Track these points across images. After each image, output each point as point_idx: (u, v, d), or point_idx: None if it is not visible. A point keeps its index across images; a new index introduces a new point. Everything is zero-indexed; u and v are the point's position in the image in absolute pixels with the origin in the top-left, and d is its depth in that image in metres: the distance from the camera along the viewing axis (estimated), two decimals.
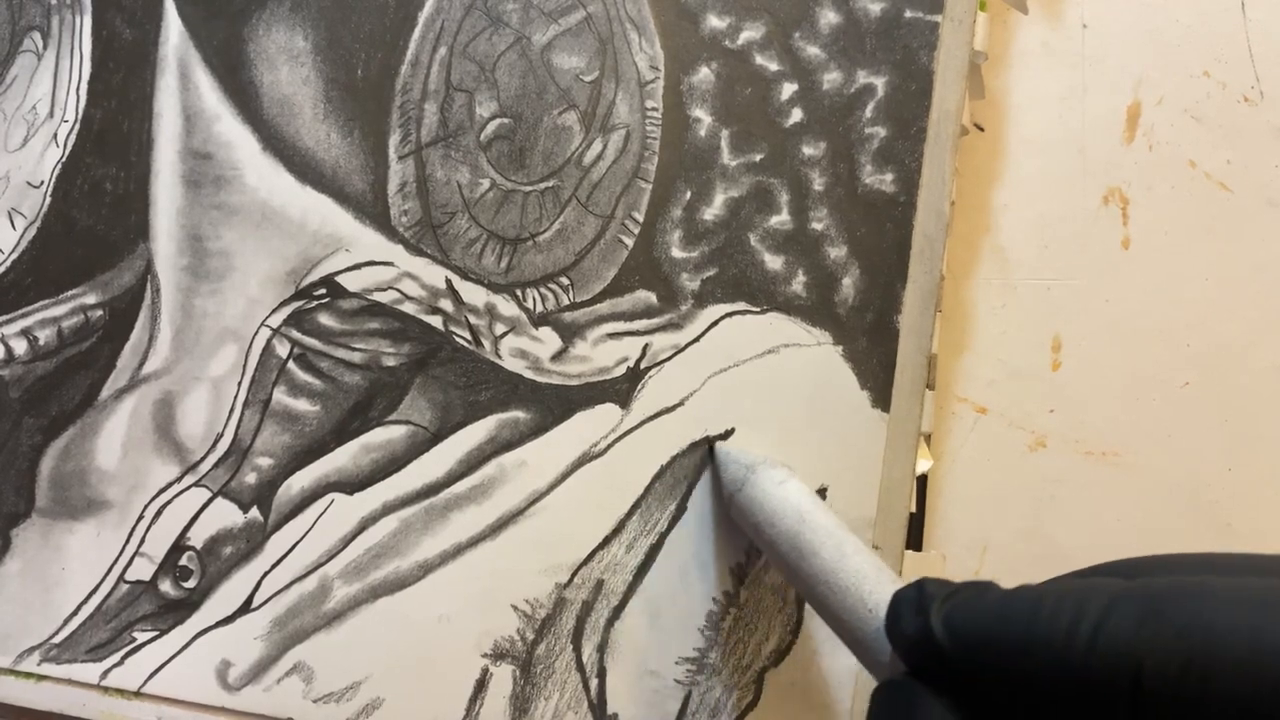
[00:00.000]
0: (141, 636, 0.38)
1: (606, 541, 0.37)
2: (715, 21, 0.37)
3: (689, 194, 0.37)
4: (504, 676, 0.37)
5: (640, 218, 0.37)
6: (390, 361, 0.38)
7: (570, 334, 0.37)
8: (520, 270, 0.37)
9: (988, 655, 0.24)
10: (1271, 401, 0.38)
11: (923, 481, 0.38)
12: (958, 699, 0.25)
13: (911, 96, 0.36)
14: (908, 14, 0.36)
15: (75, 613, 0.38)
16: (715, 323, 0.37)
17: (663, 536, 0.37)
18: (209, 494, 0.38)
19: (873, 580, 0.30)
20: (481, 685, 0.37)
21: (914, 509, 0.37)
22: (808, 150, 0.37)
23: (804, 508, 0.33)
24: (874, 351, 0.36)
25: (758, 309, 0.37)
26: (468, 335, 0.37)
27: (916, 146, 0.36)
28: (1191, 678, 0.20)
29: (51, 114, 0.39)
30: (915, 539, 0.38)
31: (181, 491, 0.38)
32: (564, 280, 0.37)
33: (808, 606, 0.37)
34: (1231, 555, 0.24)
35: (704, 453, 0.37)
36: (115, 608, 0.38)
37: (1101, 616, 0.22)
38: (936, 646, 0.25)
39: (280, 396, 0.38)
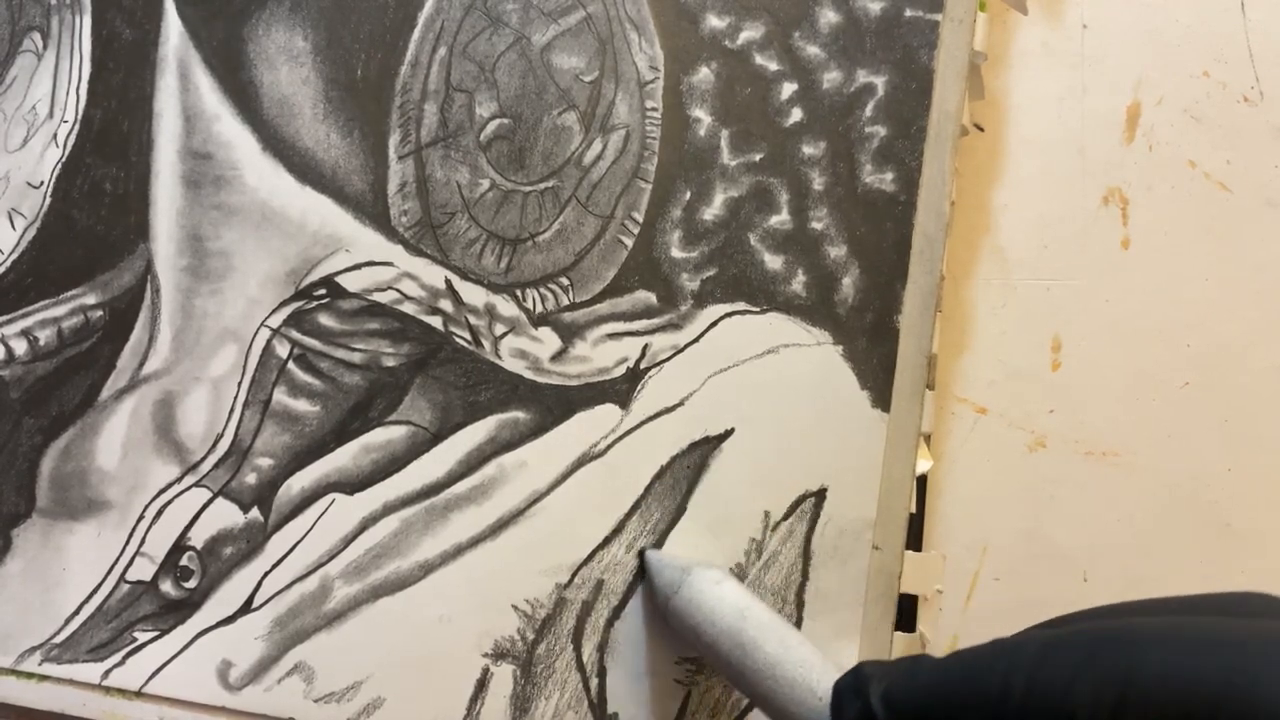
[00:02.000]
0: (142, 636, 0.38)
1: (607, 541, 0.37)
2: (715, 21, 0.37)
3: (689, 194, 0.37)
4: (504, 676, 0.37)
5: (640, 218, 0.37)
6: (390, 362, 0.38)
7: (570, 334, 0.37)
8: (520, 270, 0.37)
9: None
10: (1271, 401, 0.38)
11: (923, 482, 0.38)
12: None
13: (911, 95, 0.36)
14: (908, 13, 0.36)
15: (76, 613, 0.38)
16: (715, 323, 0.37)
17: (663, 536, 0.37)
18: (209, 494, 0.38)
19: (819, 669, 0.30)
20: (482, 685, 0.37)
21: (914, 509, 0.37)
22: (808, 150, 0.37)
23: (743, 604, 0.33)
24: (874, 351, 0.36)
25: (757, 309, 0.37)
26: (467, 335, 0.37)
27: (916, 146, 0.36)
28: None
29: (51, 114, 0.39)
30: (915, 539, 0.38)
31: (182, 492, 0.38)
32: (564, 280, 0.37)
33: (808, 607, 0.37)
34: (1164, 600, 0.25)
35: (648, 549, 0.37)
36: (116, 608, 0.38)
37: (1033, 669, 0.22)
38: None
39: (280, 397, 0.38)
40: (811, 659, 0.31)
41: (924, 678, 0.25)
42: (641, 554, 0.37)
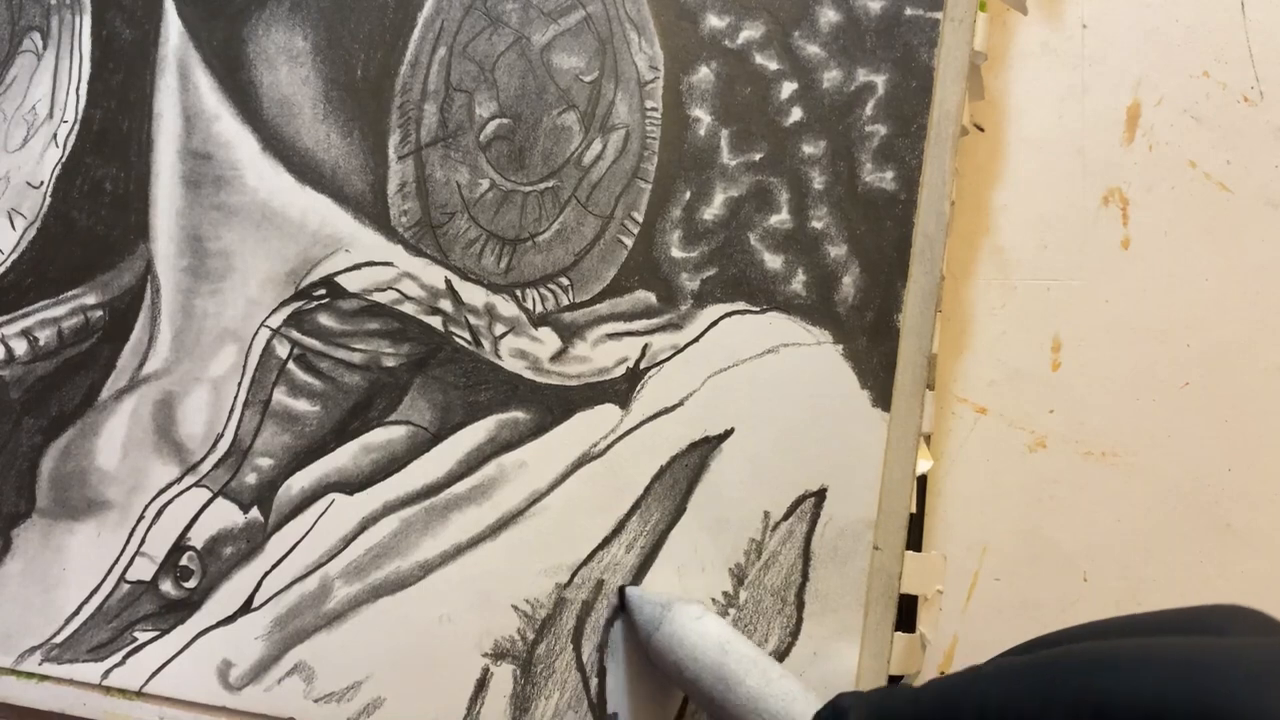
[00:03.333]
0: (142, 636, 0.38)
1: (606, 542, 0.37)
2: (715, 21, 0.37)
3: (688, 194, 0.37)
4: (504, 676, 0.37)
5: (640, 218, 0.37)
6: (390, 362, 0.38)
7: (570, 334, 0.37)
8: (520, 270, 0.37)
9: None
10: (1271, 401, 0.38)
11: (923, 482, 0.38)
12: None
13: (912, 94, 0.36)
14: (908, 11, 0.36)
15: (76, 613, 0.38)
16: (715, 322, 0.37)
17: (662, 536, 0.37)
18: (209, 494, 0.38)
19: (801, 701, 0.31)
20: (482, 685, 0.37)
21: (914, 509, 0.37)
22: (807, 149, 0.37)
23: (724, 638, 0.33)
24: (874, 350, 0.36)
25: (757, 308, 0.37)
26: (467, 335, 0.37)
27: (917, 144, 0.36)
28: None
29: (51, 114, 0.39)
30: (915, 539, 0.38)
31: (182, 492, 0.38)
32: (563, 280, 0.37)
33: (808, 607, 0.37)
34: (1133, 618, 0.25)
35: (628, 586, 0.37)
36: (116, 608, 0.38)
37: (1005, 697, 0.22)
38: None
39: (280, 397, 0.38)
40: (793, 691, 0.31)
41: (898, 708, 0.25)
42: (621, 591, 0.37)
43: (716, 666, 0.33)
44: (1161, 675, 0.20)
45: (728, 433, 0.37)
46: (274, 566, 0.37)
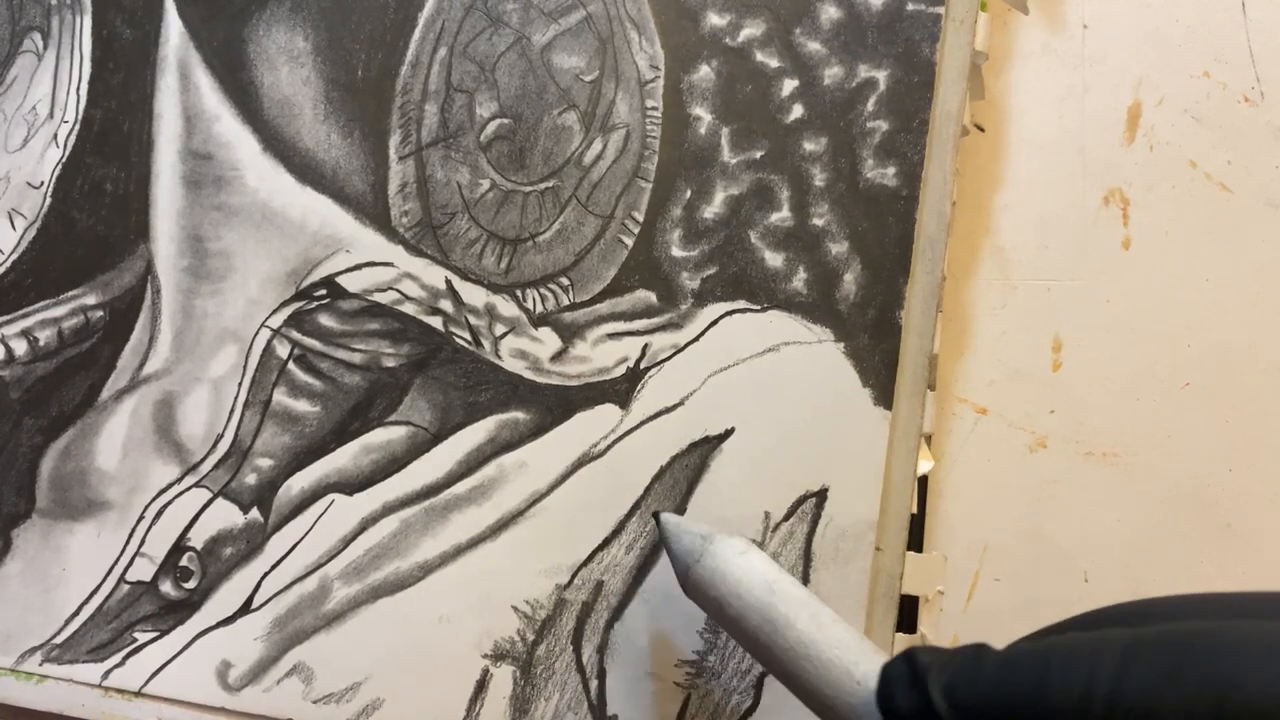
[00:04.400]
0: (142, 637, 0.38)
1: (606, 542, 0.37)
2: (715, 19, 0.37)
3: (689, 193, 0.37)
4: (504, 677, 0.37)
5: (640, 217, 0.37)
6: (390, 362, 0.38)
7: (570, 334, 0.37)
8: (520, 271, 0.37)
9: None
10: (1271, 401, 0.38)
11: (923, 482, 0.38)
12: None
13: (914, 89, 0.36)
14: (910, 7, 0.36)
15: (76, 613, 0.38)
16: (715, 321, 0.37)
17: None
18: (209, 495, 0.38)
19: (855, 650, 0.28)
20: (482, 686, 0.37)
21: (914, 509, 0.37)
22: (809, 146, 0.37)
23: (771, 577, 0.31)
24: (876, 348, 0.36)
25: (758, 307, 0.37)
26: (467, 336, 0.37)
27: (919, 140, 0.36)
28: None
29: (51, 114, 0.39)
30: (915, 540, 0.38)
31: (182, 492, 0.38)
32: (564, 280, 0.37)
33: None
34: (1235, 595, 0.23)
35: (663, 512, 0.36)
36: (116, 608, 0.38)
37: (1116, 676, 0.21)
38: None
39: (280, 397, 0.38)
40: (848, 639, 0.29)
41: (992, 674, 0.23)
42: (656, 517, 0.35)
43: (764, 607, 0.30)
44: None
45: (728, 432, 0.37)
46: (273, 567, 0.37)
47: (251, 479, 0.38)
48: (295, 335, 0.38)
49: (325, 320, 0.38)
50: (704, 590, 0.32)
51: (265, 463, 0.38)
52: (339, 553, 0.37)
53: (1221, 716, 0.19)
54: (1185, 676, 0.20)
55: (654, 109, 0.37)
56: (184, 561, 0.38)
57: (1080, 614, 0.25)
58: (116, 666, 0.38)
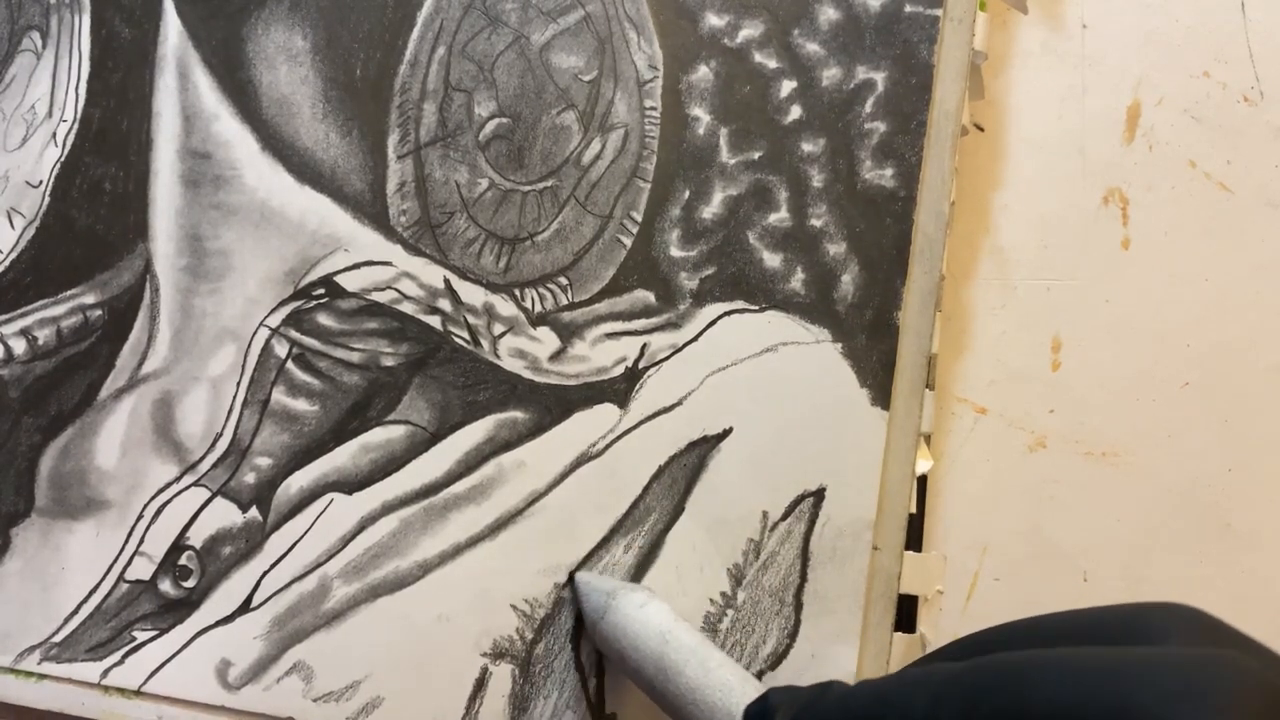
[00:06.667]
0: (141, 636, 0.38)
1: (605, 541, 0.37)
2: (714, 20, 0.37)
3: (687, 193, 0.37)
4: (503, 676, 0.37)
5: (639, 217, 0.37)
6: (389, 361, 0.38)
7: (568, 334, 0.37)
8: (519, 270, 0.37)
9: None
10: (1271, 401, 0.38)
11: (923, 482, 0.38)
12: None
13: (912, 91, 0.36)
14: (908, 8, 0.36)
15: (75, 612, 0.38)
16: (713, 321, 0.37)
17: (660, 536, 0.37)
18: (208, 493, 0.38)
19: (738, 692, 0.31)
20: (481, 684, 0.37)
21: (914, 509, 0.37)
22: (807, 147, 0.37)
23: (666, 628, 0.33)
24: (873, 349, 0.36)
25: (756, 307, 0.37)
26: (466, 335, 0.37)
27: (917, 141, 0.36)
28: None
29: (50, 113, 0.39)
30: (915, 540, 0.38)
31: (181, 491, 0.38)
32: (562, 280, 0.37)
33: (806, 608, 0.37)
34: (1071, 616, 0.25)
35: (578, 571, 0.37)
36: (115, 607, 0.38)
37: (932, 704, 0.23)
38: None
39: (279, 396, 0.38)
40: (731, 682, 0.31)
41: (828, 711, 0.25)
42: (571, 577, 0.37)
43: (657, 656, 0.32)
44: (1082, 688, 0.21)
45: (726, 432, 0.37)
46: (273, 566, 0.37)
47: (250, 478, 0.38)
48: (294, 334, 0.38)
49: (324, 319, 0.38)
50: (609, 643, 0.35)
51: (264, 462, 0.38)
52: (338, 552, 0.37)
53: None
54: (987, 703, 0.22)
55: (652, 109, 0.37)
56: (183, 560, 0.38)
57: (952, 641, 0.27)
58: (115, 665, 0.38)
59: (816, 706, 0.26)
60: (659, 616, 0.34)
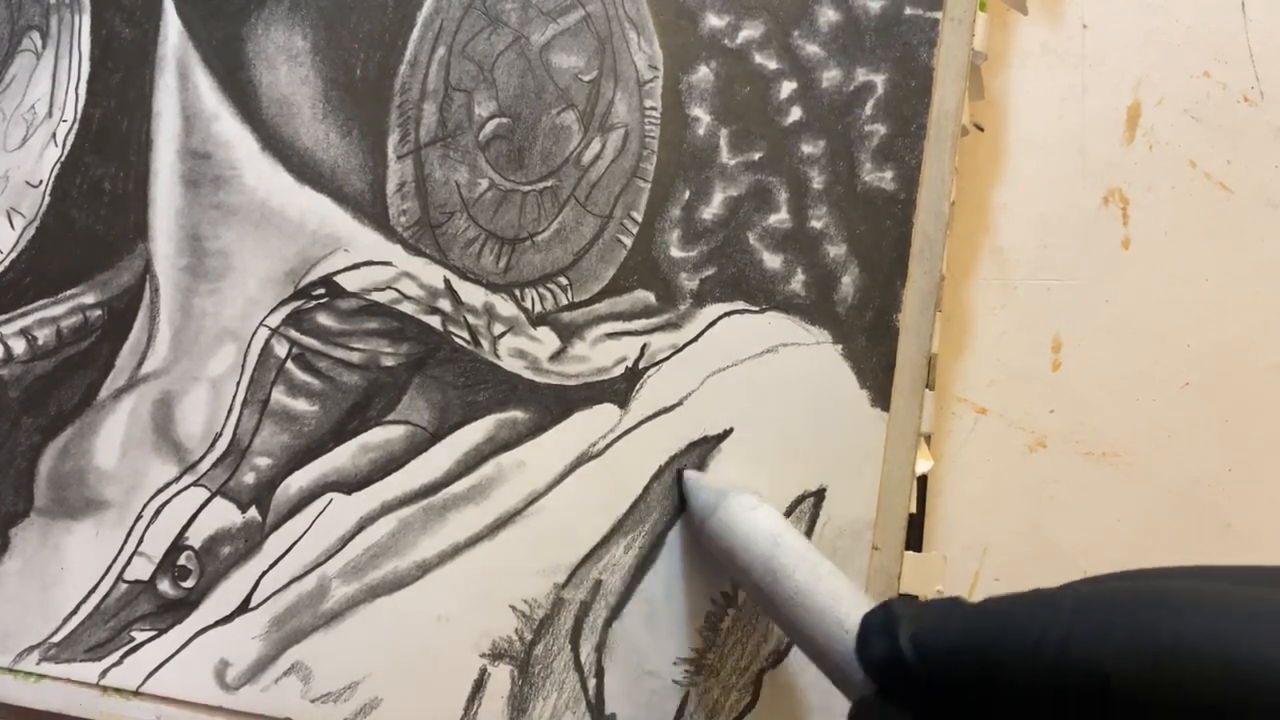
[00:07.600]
0: (140, 636, 0.38)
1: (605, 541, 0.37)
2: (714, 20, 0.37)
3: (688, 193, 0.37)
4: (502, 676, 0.37)
5: (639, 217, 0.37)
6: (389, 361, 0.38)
7: (568, 334, 0.37)
8: (519, 270, 0.37)
9: (955, 673, 0.23)
10: (1271, 401, 0.38)
11: (923, 482, 0.38)
12: (928, 717, 0.24)
13: (911, 93, 0.36)
14: (908, 11, 0.36)
15: (74, 612, 0.38)
16: (714, 322, 0.37)
17: (661, 536, 0.37)
18: (207, 494, 0.38)
19: (848, 602, 0.30)
20: (480, 685, 0.37)
21: (914, 509, 0.37)
22: (807, 148, 0.37)
23: (777, 531, 0.33)
24: (873, 350, 0.36)
25: (756, 308, 0.37)
26: (466, 335, 0.37)
27: (916, 143, 0.36)
28: (1159, 687, 0.20)
29: (50, 113, 0.39)
30: (915, 540, 0.38)
31: (180, 491, 0.38)
32: (562, 280, 0.37)
33: None
34: (1213, 568, 0.23)
35: (687, 468, 0.37)
36: (114, 607, 0.38)
37: (1067, 627, 0.21)
38: (904, 667, 0.24)
39: (279, 396, 0.38)
40: (842, 590, 0.30)
41: (958, 624, 0.24)
42: (679, 474, 0.37)
43: (767, 558, 0.32)
44: (1238, 624, 0.19)
45: (726, 433, 0.37)
46: (271, 566, 0.37)
47: (250, 478, 0.38)
48: (294, 334, 0.38)
49: (323, 319, 0.38)
50: (716, 541, 0.34)
51: (263, 462, 0.38)
52: (337, 552, 0.37)
53: (1162, 667, 0.20)
54: (1131, 629, 0.20)
55: (653, 109, 0.37)
56: (182, 560, 0.38)
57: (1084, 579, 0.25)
58: (114, 665, 0.38)
59: (944, 623, 0.24)
60: (770, 520, 0.33)
